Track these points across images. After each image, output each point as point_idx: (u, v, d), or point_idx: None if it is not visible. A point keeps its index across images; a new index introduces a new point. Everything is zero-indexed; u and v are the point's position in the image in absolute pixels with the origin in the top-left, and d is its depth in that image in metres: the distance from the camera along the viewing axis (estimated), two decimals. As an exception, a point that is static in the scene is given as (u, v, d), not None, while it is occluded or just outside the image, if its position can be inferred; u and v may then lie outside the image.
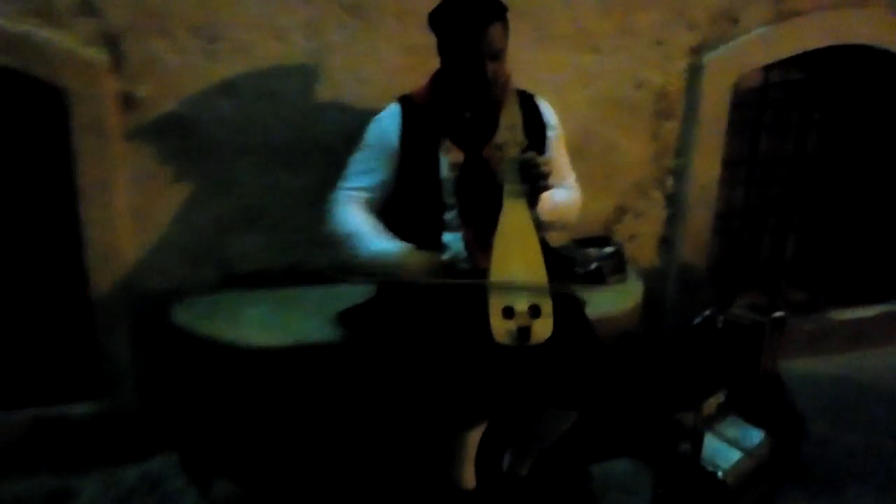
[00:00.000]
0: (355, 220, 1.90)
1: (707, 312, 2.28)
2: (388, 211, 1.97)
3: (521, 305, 1.70)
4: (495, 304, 1.70)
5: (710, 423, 2.06)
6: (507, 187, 1.80)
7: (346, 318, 2.03)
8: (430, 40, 2.19)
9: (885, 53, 2.67)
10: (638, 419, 1.93)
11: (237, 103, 2.15)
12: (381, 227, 1.90)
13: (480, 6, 1.79)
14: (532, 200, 1.82)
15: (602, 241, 2.49)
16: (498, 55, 1.80)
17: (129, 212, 2.14)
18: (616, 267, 2.44)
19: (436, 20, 1.86)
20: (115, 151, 2.08)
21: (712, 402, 2.08)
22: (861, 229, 3.07)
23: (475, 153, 1.91)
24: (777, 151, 2.91)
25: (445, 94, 1.90)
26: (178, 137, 2.13)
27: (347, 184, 1.94)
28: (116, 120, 2.06)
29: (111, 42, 2.02)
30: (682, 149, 2.58)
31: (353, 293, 2.27)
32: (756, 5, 2.50)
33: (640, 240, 2.66)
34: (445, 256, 1.91)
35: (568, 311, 1.79)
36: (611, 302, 2.28)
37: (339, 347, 1.98)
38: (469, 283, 1.77)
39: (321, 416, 2.02)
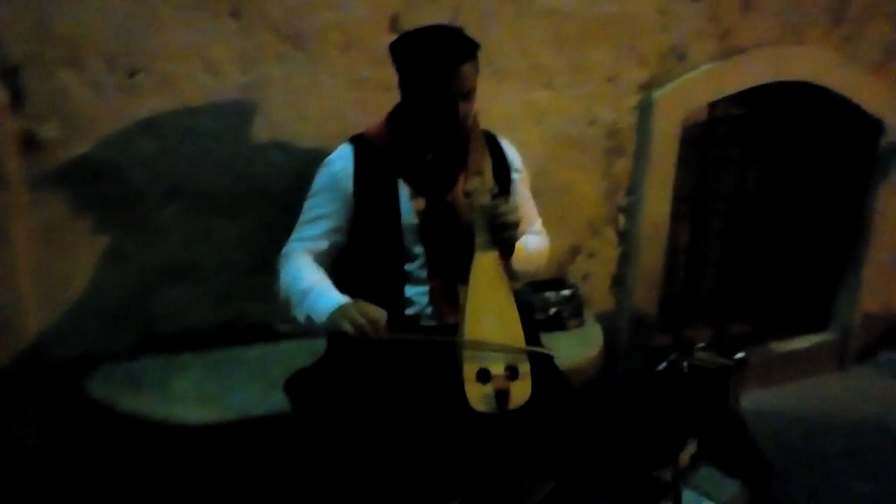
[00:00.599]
0: (297, 273, 1.67)
1: (671, 357, 2.20)
2: (343, 263, 1.77)
3: (498, 368, 1.56)
4: (469, 368, 1.55)
5: (685, 476, 1.97)
6: (477, 238, 1.65)
7: (294, 385, 1.80)
8: (378, 73, 2.05)
9: (822, 90, 2.72)
10: (616, 480, 1.82)
11: (161, 144, 1.90)
12: (323, 277, 1.67)
13: (453, 43, 1.64)
14: (505, 251, 1.68)
15: (557, 283, 2.38)
16: (469, 95, 1.66)
17: (31, 270, 1.84)
18: (574, 311, 2.34)
19: (401, 54, 1.69)
20: (15, 200, 1.78)
21: (686, 454, 2.00)
22: (797, 261, 3.12)
23: (438, 198, 1.75)
24: (718, 186, 2.91)
25: (406, 134, 1.74)
26: (91, 184, 1.85)
27: (296, 234, 1.74)
28: (17, 164, 1.77)
29: (9, 74, 1.73)
30: (634, 186, 2.52)
31: (297, 351, 2.07)
32: (702, 42, 2.48)
33: (593, 280, 2.58)
34: (409, 311, 1.74)
35: (541, 367, 1.65)
36: (574, 349, 2.17)
37: (289, 420, 1.75)
38: (441, 340, 1.59)
39: (271, 502, 1.78)
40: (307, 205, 1.75)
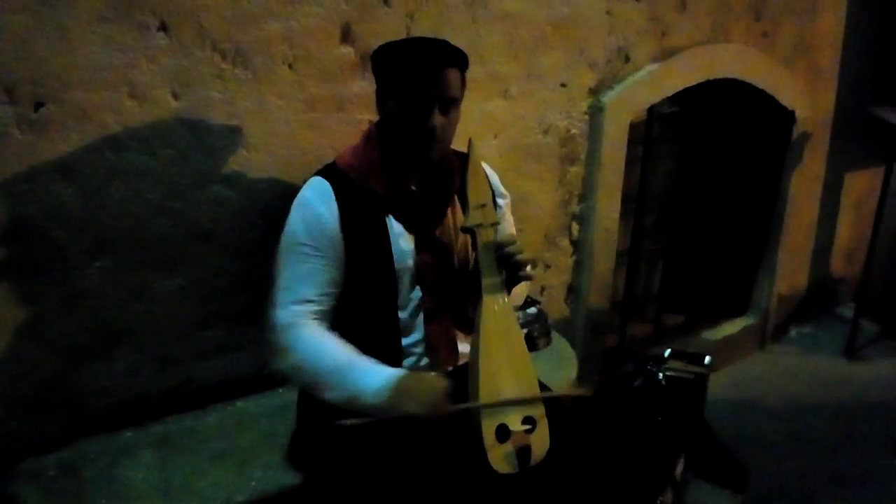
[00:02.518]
0: (320, 347, 1.43)
1: (648, 369, 2.16)
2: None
3: (516, 423, 1.43)
4: (487, 427, 1.41)
5: (682, 494, 1.94)
6: (484, 280, 1.49)
7: (301, 455, 1.57)
8: (330, 90, 1.83)
9: (744, 85, 2.78)
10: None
11: (80, 189, 1.57)
12: (352, 349, 1.45)
13: (441, 46, 1.48)
14: (507, 290, 1.53)
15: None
16: (451, 104, 1.48)
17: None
18: (542, 329, 2.24)
19: (384, 58, 1.50)
20: None
21: (679, 470, 1.97)
22: (720, 251, 3.21)
23: (427, 234, 1.57)
24: (652, 183, 2.92)
25: (387, 160, 1.53)
26: (-4, 244, 1.49)
27: (289, 297, 1.46)
28: None
29: None
30: (586, 193, 2.45)
31: (257, 410, 1.83)
32: (644, 43, 2.43)
33: (550, 292, 2.49)
34: (405, 362, 1.56)
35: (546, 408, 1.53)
36: (553, 372, 2.07)
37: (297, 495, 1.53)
38: (494, 405, 1.42)
39: None
40: (291, 256, 1.48)
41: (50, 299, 1.58)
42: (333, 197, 1.49)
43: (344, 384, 1.39)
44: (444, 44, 1.50)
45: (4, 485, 1.52)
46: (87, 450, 1.63)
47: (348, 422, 1.33)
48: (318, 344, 1.43)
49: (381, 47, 1.52)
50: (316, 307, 1.46)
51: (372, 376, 1.38)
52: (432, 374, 1.38)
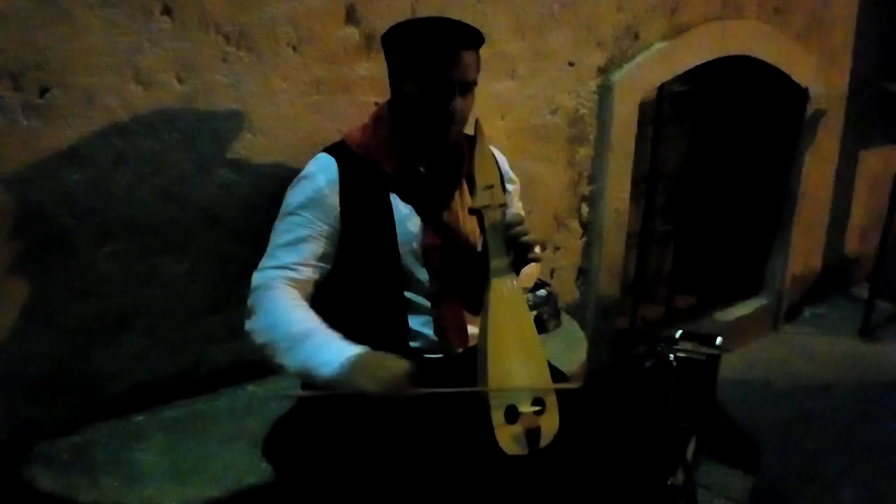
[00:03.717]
0: (283, 311, 1.39)
1: (658, 350, 2.14)
2: (329, 294, 1.52)
3: (525, 404, 1.42)
4: (496, 408, 1.39)
5: (693, 475, 1.93)
6: (493, 262, 1.48)
7: (275, 446, 1.55)
8: (335, 72, 1.82)
9: (757, 62, 2.73)
10: (639, 494, 1.75)
11: (87, 175, 1.56)
12: (318, 320, 1.42)
13: (457, 27, 1.45)
14: (516, 271, 1.52)
15: (530, 284, 2.26)
16: (468, 87, 1.47)
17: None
18: (553, 311, 2.23)
19: (397, 39, 1.48)
20: None
21: (690, 451, 1.96)
22: (733, 231, 3.18)
23: (435, 215, 1.56)
24: (663, 163, 2.88)
25: (398, 139, 1.52)
26: (4, 231, 1.49)
27: (269, 262, 1.45)
28: None
29: None
30: (595, 174, 2.43)
31: (267, 393, 1.83)
32: (654, 19, 2.40)
33: (560, 274, 2.48)
34: (413, 344, 1.55)
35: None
36: (563, 354, 2.06)
37: (279, 487, 1.53)
38: (471, 390, 1.42)
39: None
40: (282, 224, 1.47)
41: (59, 285, 1.58)
42: (337, 172, 1.48)
43: (299, 353, 1.34)
44: (461, 25, 1.48)
45: (19, 468, 1.54)
46: (99, 434, 1.65)
47: (301, 393, 1.31)
48: (282, 308, 1.39)
49: (393, 28, 1.49)
50: (294, 275, 1.43)
51: (328, 349, 1.34)
52: (394, 356, 1.33)
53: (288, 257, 1.45)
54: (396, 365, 1.32)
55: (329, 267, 1.50)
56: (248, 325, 1.43)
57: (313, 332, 1.38)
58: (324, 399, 1.33)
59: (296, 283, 1.44)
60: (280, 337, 1.37)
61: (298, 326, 1.38)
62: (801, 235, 3.23)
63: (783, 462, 2.37)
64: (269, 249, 1.48)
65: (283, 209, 1.49)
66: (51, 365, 1.61)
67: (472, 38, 1.46)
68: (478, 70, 1.49)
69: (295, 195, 1.48)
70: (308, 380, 1.37)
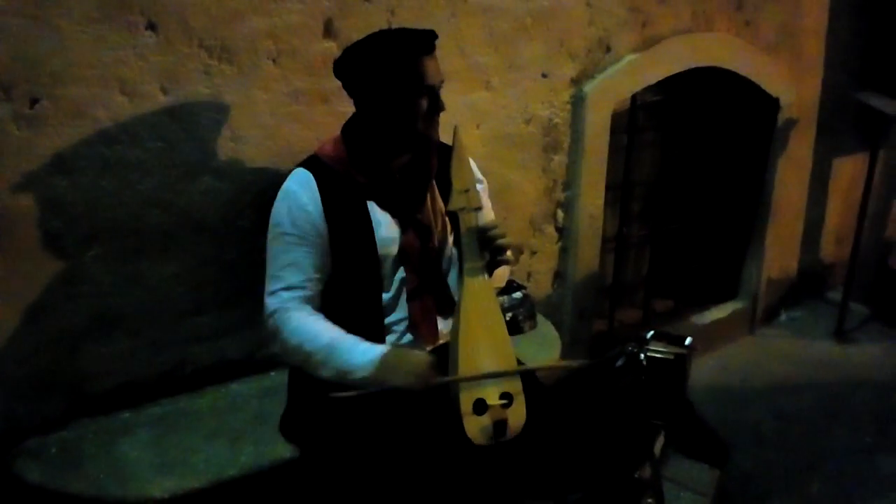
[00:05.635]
0: (308, 329, 1.54)
1: (629, 350, 2.23)
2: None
3: (493, 397, 1.50)
4: (465, 399, 1.48)
5: (660, 469, 2.00)
6: (467, 263, 1.56)
7: (293, 428, 1.67)
8: (314, 84, 1.90)
9: (728, 73, 2.83)
10: (605, 486, 1.82)
11: (75, 181, 1.65)
12: (338, 329, 1.56)
13: (414, 35, 1.55)
14: (489, 272, 1.60)
15: (506, 286, 2.33)
16: (439, 88, 1.59)
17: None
18: (528, 312, 2.30)
19: (360, 56, 1.56)
20: None
21: (658, 446, 2.03)
22: (709, 236, 3.27)
23: (410, 218, 1.64)
24: (638, 171, 2.97)
25: (370, 149, 1.61)
26: (-5, 234, 1.58)
27: (278, 285, 1.57)
28: None
29: None
30: (570, 181, 2.51)
31: (249, 392, 1.91)
32: (625, 33, 2.49)
33: (537, 278, 2.56)
34: (388, 339, 1.64)
35: (527, 385, 1.60)
36: (537, 354, 2.14)
37: (289, 466, 1.62)
38: (475, 378, 1.49)
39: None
40: (278, 247, 1.58)
41: (48, 288, 1.66)
42: (316, 187, 1.57)
43: (332, 361, 1.50)
44: (412, 30, 1.58)
45: (9, 462, 1.61)
46: (87, 429, 1.71)
47: (341, 394, 1.44)
48: (306, 326, 1.53)
49: (352, 46, 1.58)
50: (303, 292, 1.56)
51: (358, 353, 1.50)
52: (416, 350, 1.48)
53: (293, 277, 1.56)
54: (420, 358, 1.49)
55: (328, 272, 1.61)
56: (279, 347, 1.57)
57: (337, 341, 1.53)
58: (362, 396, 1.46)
59: (308, 299, 1.58)
60: (311, 351, 1.52)
61: (325, 338, 1.53)
62: (776, 241, 3.32)
63: (753, 459, 2.44)
64: (271, 271, 1.58)
65: (274, 229, 1.59)
66: (40, 364, 1.68)
67: (430, 39, 1.56)
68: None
69: (283, 215, 1.58)
70: (344, 382, 1.50)
